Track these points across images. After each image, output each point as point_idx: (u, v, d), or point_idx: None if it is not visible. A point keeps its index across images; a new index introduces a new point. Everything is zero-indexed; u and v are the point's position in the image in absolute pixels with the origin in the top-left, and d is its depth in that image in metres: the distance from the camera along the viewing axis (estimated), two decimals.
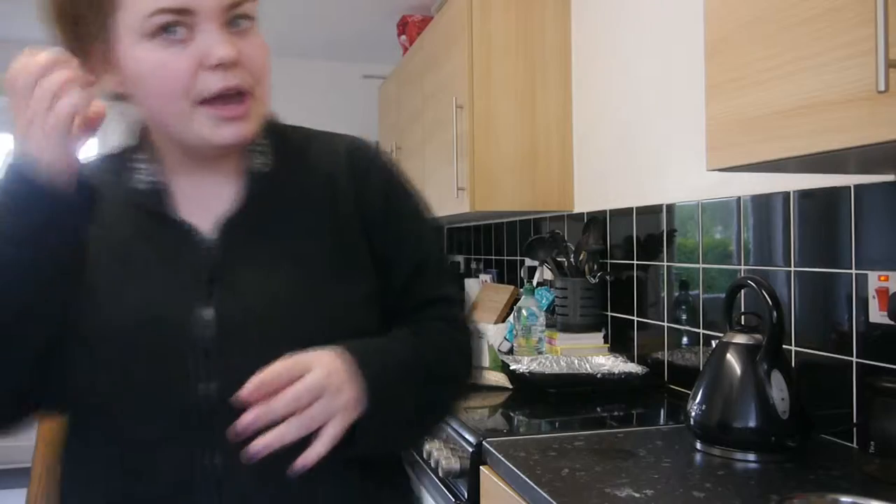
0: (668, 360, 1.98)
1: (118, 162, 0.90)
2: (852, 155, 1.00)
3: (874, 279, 1.34)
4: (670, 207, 1.99)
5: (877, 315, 1.33)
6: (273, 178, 0.88)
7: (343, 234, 0.88)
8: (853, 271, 1.39)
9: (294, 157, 0.91)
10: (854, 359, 1.39)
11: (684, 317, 1.92)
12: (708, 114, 1.18)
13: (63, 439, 0.88)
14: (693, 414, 1.39)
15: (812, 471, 1.26)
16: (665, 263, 2.01)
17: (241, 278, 0.82)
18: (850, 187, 1.39)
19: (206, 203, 0.86)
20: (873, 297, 1.34)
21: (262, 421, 0.73)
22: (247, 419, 0.72)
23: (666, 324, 2.00)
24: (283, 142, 0.92)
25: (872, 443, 1.23)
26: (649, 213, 2.09)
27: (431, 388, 0.88)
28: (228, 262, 0.83)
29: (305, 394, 0.74)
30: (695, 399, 1.40)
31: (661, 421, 1.77)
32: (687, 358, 1.90)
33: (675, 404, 1.82)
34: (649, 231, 2.09)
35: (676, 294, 1.96)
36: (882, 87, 0.79)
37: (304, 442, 0.77)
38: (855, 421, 1.38)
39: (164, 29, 0.76)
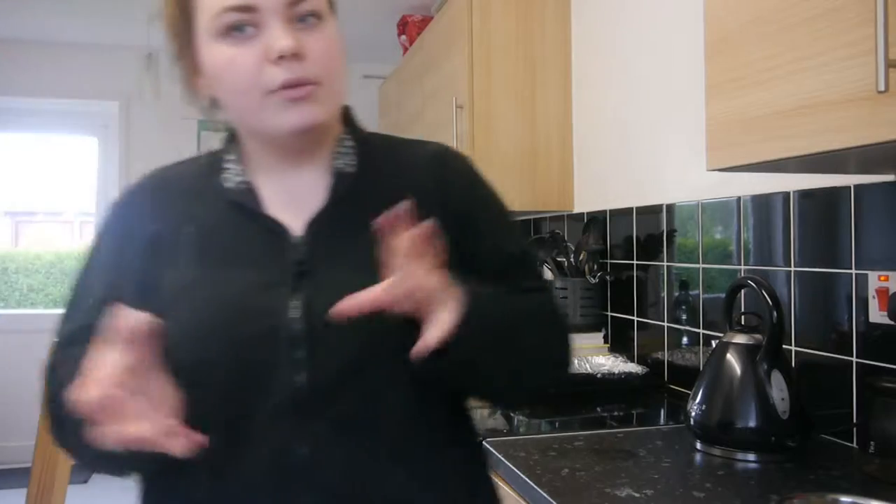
0: (668, 360, 1.98)
1: (211, 162, 0.93)
2: (852, 155, 1.00)
3: (874, 279, 1.34)
4: (670, 207, 1.99)
5: (877, 315, 1.33)
6: (358, 179, 0.90)
7: None
8: (853, 271, 1.39)
9: (379, 160, 0.93)
10: (854, 359, 1.39)
11: (684, 317, 1.92)
12: (708, 114, 1.18)
13: None
14: (693, 414, 1.39)
15: (812, 471, 1.26)
16: (665, 263, 2.01)
17: (328, 274, 0.83)
18: (850, 187, 1.39)
19: (293, 202, 0.88)
20: (873, 297, 1.34)
21: (364, 302, 0.72)
22: (347, 303, 0.72)
23: (666, 324, 2.00)
24: (369, 145, 0.94)
25: (872, 443, 1.23)
26: (649, 213, 2.09)
27: (525, 337, 0.87)
28: (316, 258, 0.85)
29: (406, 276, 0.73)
30: (695, 399, 1.40)
31: (661, 421, 1.77)
32: (687, 358, 1.90)
33: (675, 404, 1.82)
34: (649, 231, 2.09)
35: (676, 294, 1.96)
36: (882, 87, 0.79)
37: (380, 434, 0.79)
38: (855, 421, 1.38)
39: (235, 28, 0.81)
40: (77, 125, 4.78)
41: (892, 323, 1.27)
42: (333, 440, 0.80)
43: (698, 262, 1.86)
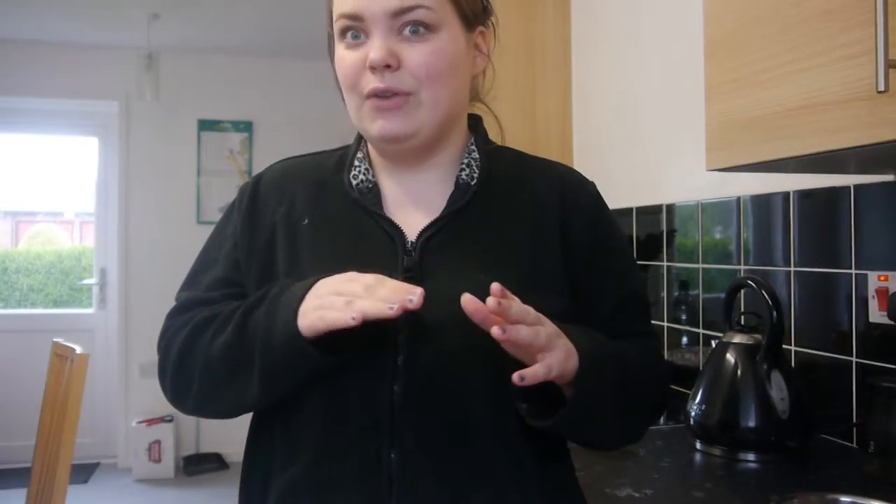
0: (668, 360, 1.98)
1: (341, 157, 0.95)
2: (852, 155, 1.00)
3: (874, 279, 1.34)
4: (670, 207, 1.99)
5: (876, 315, 1.33)
6: (479, 192, 0.89)
7: (542, 256, 0.88)
8: (853, 271, 1.39)
9: (503, 175, 0.93)
10: (854, 359, 1.39)
11: (684, 317, 1.92)
12: (708, 114, 1.18)
13: (255, 416, 0.92)
14: (693, 414, 1.39)
15: (812, 471, 1.26)
16: (665, 263, 2.01)
17: (436, 284, 0.82)
18: (849, 187, 1.39)
19: (412, 207, 0.90)
20: (873, 296, 1.34)
21: (489, 311, 0.71)
22: (478, 307, 0.71)
23: (666, 324, 2.00)
24: (495, 159, 0.94)
25: (872, 443, 1.23)
26: (649, 213, 2.09)
27: (632, 388, 0.86)
28: (426, 266, 0.85)
29: (532, 315, 0.73)
30: (695, 399, 1.40)
31: (661, 421, 1.77)
32: (687, 358, 1.90)
33: (675, 404, 1.82)
34: (649, 231, 2.09)
35: (676, 294, 1.96)
36: (882, 88, 0.79)
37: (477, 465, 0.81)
38: (855, 421, 1.38)
39: (350, 32, 0.85)
40: (77, 125, 4.78)
41: (891, 323, 1.27)
42: (421, 451, 0.80)
43: (698, 262, 1.86)
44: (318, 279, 0.79)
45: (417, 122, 0.85)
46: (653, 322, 1.01)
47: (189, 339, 0.86)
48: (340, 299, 0.74)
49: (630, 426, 0.91)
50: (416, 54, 0.83)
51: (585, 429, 0.85)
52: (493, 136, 1.01)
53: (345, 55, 0.85)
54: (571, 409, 0.79)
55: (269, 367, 0.79)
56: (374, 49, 0.82)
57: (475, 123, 0.97)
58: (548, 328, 0.75)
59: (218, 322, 0.84)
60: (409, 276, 0.84)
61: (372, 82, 0.83)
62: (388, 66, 0.82)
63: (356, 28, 0.84)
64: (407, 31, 0.83)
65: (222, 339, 0.82)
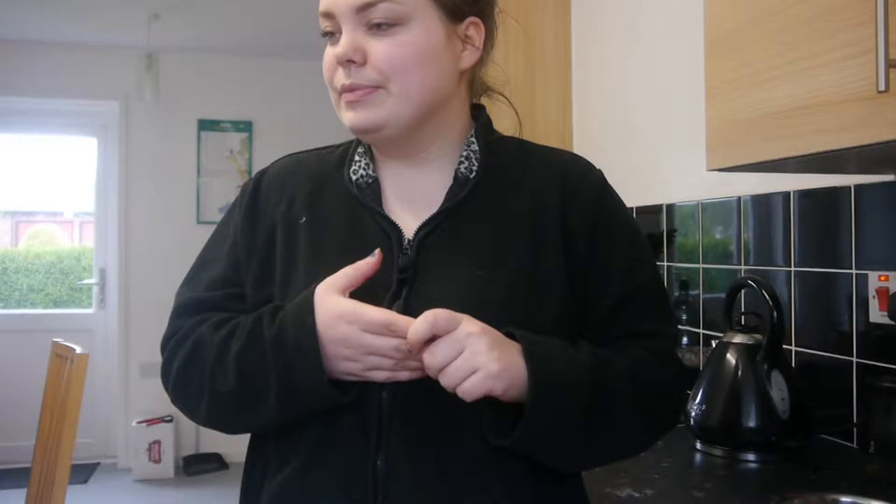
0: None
1: (345, 151, 0.95)
2: (852, 155, 1.00)
3: (874, 279, 1.34)
4: (670, 207, 1.99)
5: (877, 315, 1.33)
6: (478, 187, 0.87)
7: (540, 252, 0.85)
8: (853, 271, 1.39)
9: (505, 169, 0.90)
10: (854, 359, 1.39)
11: (684, 317, 1.92)
12: (708, 114, 1.18)
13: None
14: (693, 414, 1.39)
15: (812, 471, 1.26)
16: (665, 263, 2.01)
17: (429, 283, 0.81)
18: (850, 187, 1.39)
19: (411, 202, 0.88)
20: (873, 296, 1.34)
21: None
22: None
23: None
24: (497, 150, 0.91)
25: (872, 443, 1.23)
26: (649, 213, 2.09)
27: (611, 405, 0.80)
28: (419, 266, 0.83)
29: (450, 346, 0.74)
30: (695, 399, 1.40)
31: None
32: (687, 358, 1.90)
33: None
34: (649, 231, 2.09)
35: (676, 294, 1.96)
36: (882, 87, 0.79)
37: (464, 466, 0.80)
38: (855, 421, 1.38)
39: (328, 31, 0.86)
40: (77, 125, 4.78)
41: (892, 323, 1.27)
42: (407, 457, 0.79)
43: (698, 262, 1.86)
44: (313, 306, 0.78)
45: (385, 112, 0.83)
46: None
47: (187, 368, 0.85)
48: (386, 361, 0.76)
49: (619, 443, 0.85)
50: (380, 48, 0.82)
51: (554, 446, 0.80)
52: (512, 129, 0.99)
53: (325, 53, 0.86)
54: (528, 424, 0.76)
55: (290, 410, 0.80)
56: (340, 44, 0.83)
57: (478, 114, 0.95)
58: (462, 328, 0.74)
59: (219, 361, 0.82)
60: (402, 278, 0.82)
61: (341, 78, 0.84)
62: (352, 62, 0.82)
63: (331, 26, 0.85)
64: (374, 26, 0.82)
65: (229, 385, 0.81)
